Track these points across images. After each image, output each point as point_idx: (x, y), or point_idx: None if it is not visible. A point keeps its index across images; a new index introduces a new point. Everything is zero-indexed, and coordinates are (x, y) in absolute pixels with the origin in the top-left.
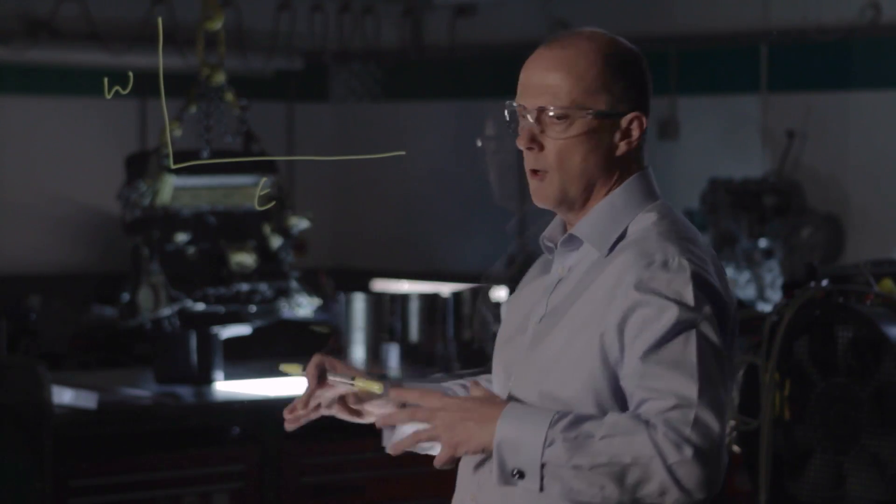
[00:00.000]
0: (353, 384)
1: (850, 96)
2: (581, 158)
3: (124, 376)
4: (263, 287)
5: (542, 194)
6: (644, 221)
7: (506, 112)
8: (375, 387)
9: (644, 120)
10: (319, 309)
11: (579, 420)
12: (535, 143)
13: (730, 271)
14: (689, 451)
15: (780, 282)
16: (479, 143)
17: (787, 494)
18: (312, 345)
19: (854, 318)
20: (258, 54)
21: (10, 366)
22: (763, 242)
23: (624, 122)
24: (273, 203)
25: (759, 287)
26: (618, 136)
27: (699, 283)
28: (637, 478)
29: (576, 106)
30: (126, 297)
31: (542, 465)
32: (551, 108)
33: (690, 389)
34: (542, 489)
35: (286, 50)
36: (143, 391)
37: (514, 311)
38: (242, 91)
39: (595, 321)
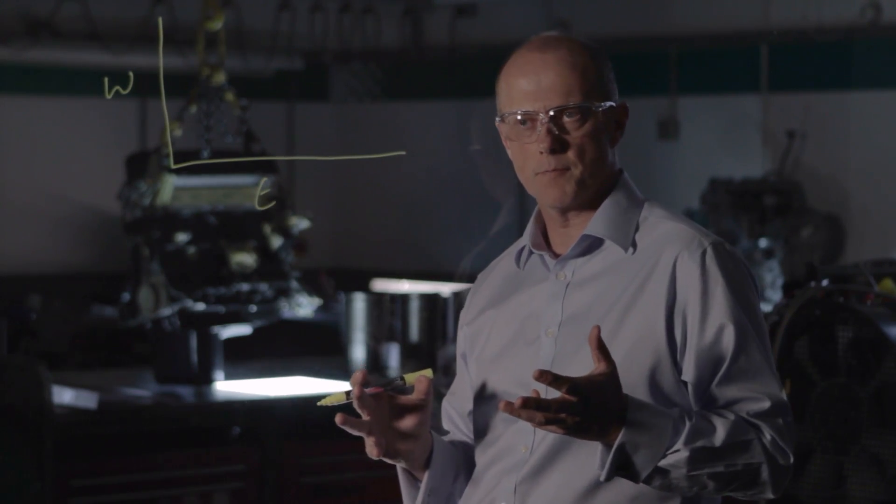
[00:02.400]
0: (402, 381)
1: (850, 96)
2: (598, 153)
3: (124, 376)
4: (263, 287)
5: (560, 192)
6: (652, 215)
7: (524, 121)
8: (427, 372)
9: (627, 108)
10: (319, 309)
11: (698, 428)
12: (559, 143)
13: None
14: (790, 458)
15: (780, 282)
16: (477, 147)
17: (788, 494)
18: (313, 345)
19: (854, 318)
20: (258, 54)
21: (10, 366)
22: (763, 242)
23: (616, 113)
24: (273, 203)
25: (759, 287)
26: (614, 127)
27: (742, 263)
28: (743, 481)
29: (589, 102)
30: (126, 297)
31: (658, 468)
32: (571, 106)
33: (777, 389)
34: (646, 482)
35: (286, 50)
36: (143, 391)
37: (501, 324)
38: (242, 91)
39: (652, 319)
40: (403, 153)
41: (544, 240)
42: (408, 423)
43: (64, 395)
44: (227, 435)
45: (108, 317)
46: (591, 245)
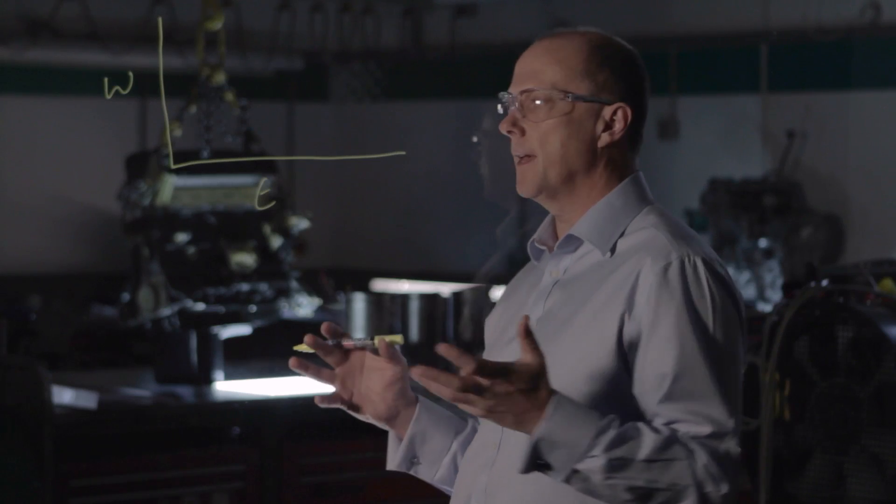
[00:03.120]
0: (372, 342)
1: (850, 96)
2: (560, 143)
3: (124, 376)
4: (263, 287)
5: (522, 180)
6: (644, 221)
7: (499, 105)
8: (397, 338)
9: (628, 112)
10: (319, 309)
11: (622, 436)
12: (516, 126)
13: (730, 271)
14: (725, 487)
15: (780, 282)
16: (475, 140)
17: (787, 494)
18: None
19: (854, 318)
20: (258, 54)
21: (10, 366)
22: (763, 242)
23: (607, 111)
24: (273, 203)
25: (759, 287)
26: (600, 125)
27: (717, 282)
28: (664, 500)
29: (556, 89)
30: (126, 297)
31: (575, 470)
32: (532, 90)
33: (724, 415)
34: (566, 482)
35: (286, 50)
36: (143, 391)
37: (503, 315)
38: (242, 91)
39: (608, 325)
40: (403, 153)
41: (556, 234)
42: (376, 383)
43: (64, 395)
44: (227, 435)
45: (108, 317)
46: (577, 245)
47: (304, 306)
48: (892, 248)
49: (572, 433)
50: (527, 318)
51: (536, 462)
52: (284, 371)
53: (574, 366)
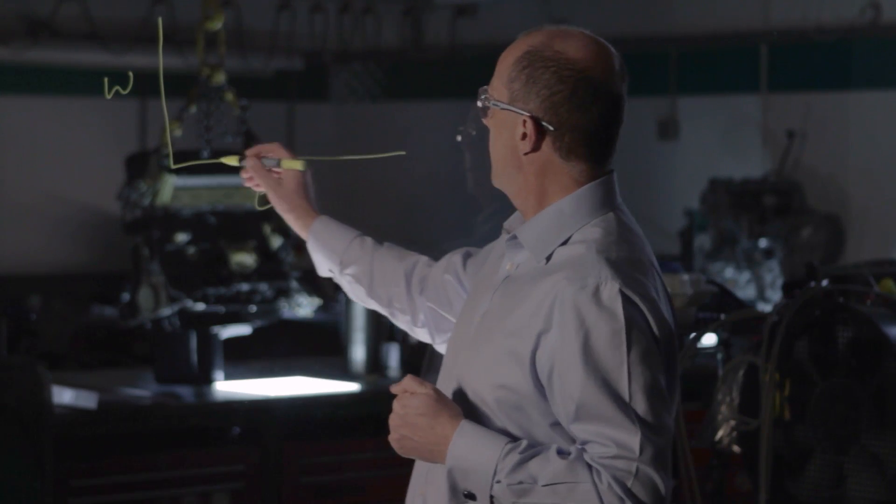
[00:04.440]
0: (278, 164)
1: (850, 96)
2: (492, 145)
3: (124, 376)
4: (263, 287)
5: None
6: (587, 233)
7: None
8: (298, 164)
9: (532, 126)
10: (319, 309)
11: (526, 460)
12: (472, 124)
13: (730, 271)
14: None
15: (780, 282)
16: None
17: (787, 494)
18: (313, 345)
19: (854, 318)
20: (258, 54)
21: (10, 366)
22: (763, 242)
23: (519, 122)
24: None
25: (759, 287)
26: (519, 134)
27: (630, 308)
28: None
29: (489, 94)
30: (126, 297)
31: (492, 497)
32: (485, 89)
33: (631, 437)
34: None
35: (286, 50)
36: (143, 391)
37: (473, 288)
38: (242, 91)
39: (526, 342)
40: (403, 153)
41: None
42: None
43: (64, 395)
44: (227, 435)
45: (108, 317)
46: (521, 244)
47: (304, 306)
48: (892, 248)
49: (478, 459)
50: (408, 378)
51: (462, 494)
52: (284, 371)
53: (486, 373)
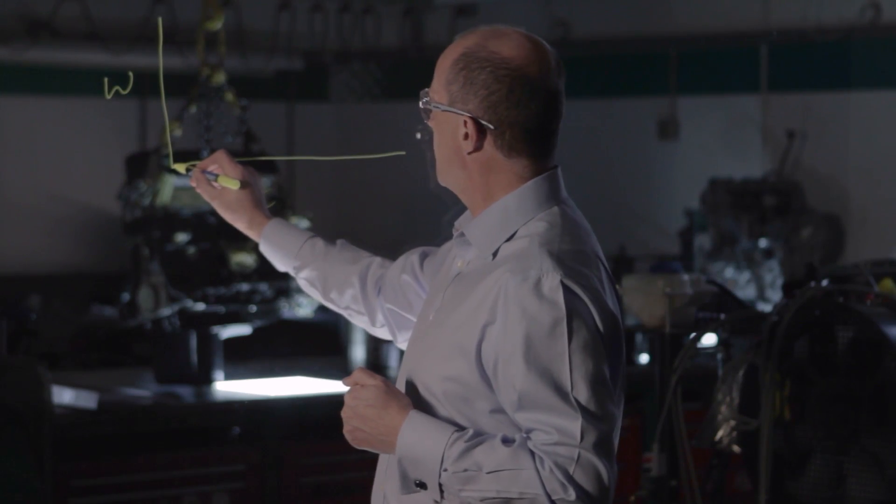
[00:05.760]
0: (216, 178)
1: (850, 96)
2: (436, 146)
3: (124, 376)
4: (263, 287)
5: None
6: (532, 227)
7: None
8: (234, 183)
9: (473, 126)
10: (319, 309)
11: (471, 448)
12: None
13: (730, 271)
14: (572, 493)
15: (780, 282)
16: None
17: (787, 494)
18: (313, 345)
19: (854, 318)
20: (258, 54)
21: (10, 366)
22: (763, 242)
23: (460, 122)
24: (273, 203)
25: (759, 287)
26: (461, 134)
27: (572, 300)
28: None
29: (431, 97)
30: (126, 297)
31: (440, 485)
32: (425, 91)
33: (572, 424)
34: (442, 499)
35: (286, 50)
36: (143, 391)
37: (431, 287)
38: (242, 91)
39: (471, 334)
40: (403, 153)
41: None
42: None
43: (64, 395)
44: (227, 435)
45: (108, 317)
46: (468, 241)
47: (304, 306)
48: (892, 248)
49: (426, 448)
50: (358, 371)
51: (413, 483)
52: (284, 371)
53: (434, 367)
